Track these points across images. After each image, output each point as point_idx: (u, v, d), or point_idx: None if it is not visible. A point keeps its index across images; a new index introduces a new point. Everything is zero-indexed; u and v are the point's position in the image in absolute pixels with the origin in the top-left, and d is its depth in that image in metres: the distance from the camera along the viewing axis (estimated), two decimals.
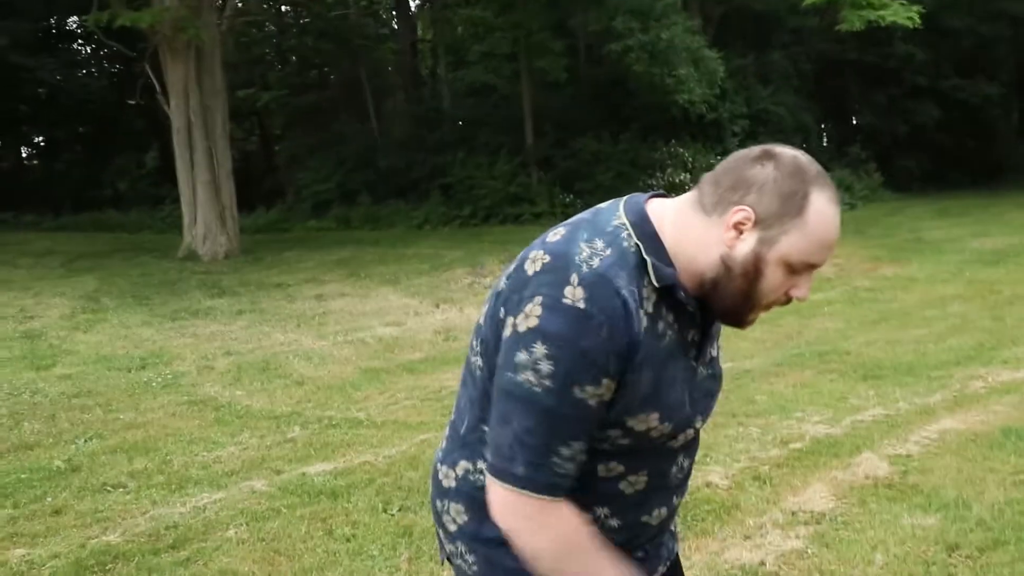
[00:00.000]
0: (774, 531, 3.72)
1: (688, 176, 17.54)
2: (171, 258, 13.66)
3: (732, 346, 6.74)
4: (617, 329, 1.24)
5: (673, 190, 16.41)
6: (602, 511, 1.42)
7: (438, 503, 1.52)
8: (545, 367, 1.24)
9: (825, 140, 25.62)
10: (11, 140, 26.80)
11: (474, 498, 1.44)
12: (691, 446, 1.51)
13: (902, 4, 15.05)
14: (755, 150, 1.33)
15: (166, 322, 9.38)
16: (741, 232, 1.28)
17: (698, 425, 1.48)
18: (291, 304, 10.33)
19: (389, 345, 8.19)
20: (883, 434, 4.91)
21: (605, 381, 1.26)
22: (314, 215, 19.60)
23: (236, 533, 4.02)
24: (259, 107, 23.97)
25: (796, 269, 1.31)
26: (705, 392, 1.47)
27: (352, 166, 20.67)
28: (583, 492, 1.39)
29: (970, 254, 12.56)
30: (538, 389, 1.25)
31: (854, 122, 26.71)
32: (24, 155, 27.87)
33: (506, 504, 1.34)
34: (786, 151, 1.33)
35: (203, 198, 13.94)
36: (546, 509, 1.32)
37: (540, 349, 1.24)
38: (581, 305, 1.24)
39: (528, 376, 1.26)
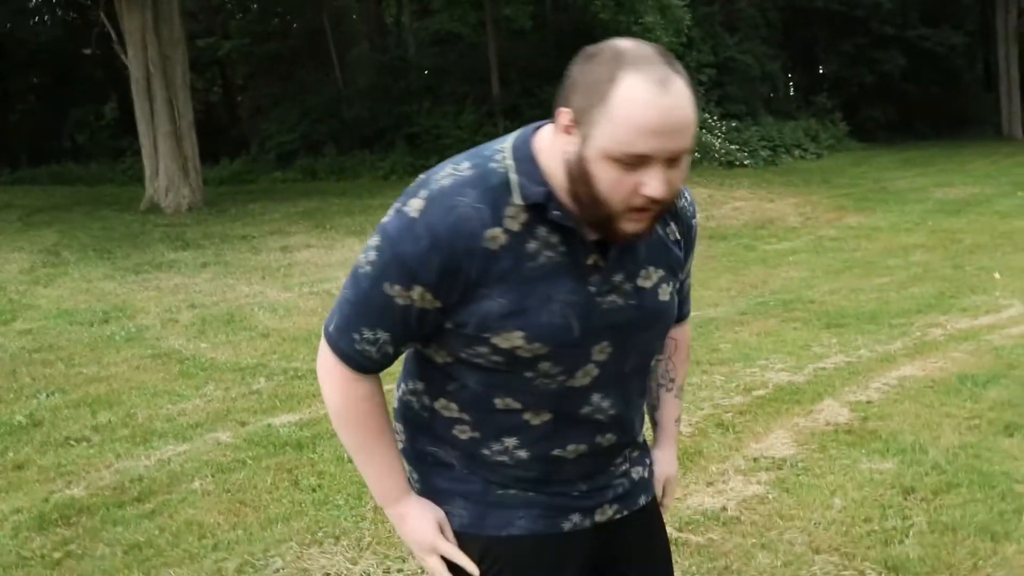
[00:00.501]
0: (736, 477, 3.77)
1: None
2: (133, 211, 13.45)
3: (696, 295, 6.77)
4: (441, 241, 1.28)
5: None
6: (509, 441, 1.46)
7: (396, 424, 1.61)
8: (371, 255, 1.35)
9: (792, 90, 25.63)
10: None
11: (407, 417, 1.56)
12: (608, 384, 1.44)
13: None
14: (591, 47, 1.28)
15: (129, 275, 9.26)
16: (570, 134, 1.25)
17: (600, 356, 1.40)
18: (256, 256, 10.24)
19: None
20: (844, 381, 4.99)
21: (417, 288, 1.31)
22: (279, 166, 19.35)
23: (201, 485, 4.02)
24: (220, 56, 23.49)
25: (626, 162, 1.21)
26: (618, 322, 1.39)
27: (317, 116, 20.38)
28: (486, 422, 1.45)
29: (933, 204, 12.70)
30: (361, 270, 1.37)
31: (820, 71, 26.73)
32: None
33: (320, 352, 1.47)
34: (617, 41, 1.25)
35: (164, 150, 13.69)
36: (344, 373, 1.44)
37: (374, 240, 1.35)
38: (414, 215, 1.31)
39: (361, 257, 1.38)
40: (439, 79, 20.92)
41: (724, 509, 3.49)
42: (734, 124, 19.06)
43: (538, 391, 1.41)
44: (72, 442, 4.62)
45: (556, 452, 1.47)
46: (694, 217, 1.56)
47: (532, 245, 1.32)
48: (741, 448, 4.09)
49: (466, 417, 1.47)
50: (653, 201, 1.24)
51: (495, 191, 1.31)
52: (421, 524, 1.49)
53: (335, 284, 8.66)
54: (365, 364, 1.42)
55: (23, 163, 20.22)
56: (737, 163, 16.90)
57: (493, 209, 1.30)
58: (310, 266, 9.68)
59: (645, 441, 1.68)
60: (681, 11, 17.60)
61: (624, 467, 1.59)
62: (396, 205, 1.35)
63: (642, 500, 1.62)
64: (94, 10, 15.39)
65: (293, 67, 22.29)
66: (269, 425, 4.72)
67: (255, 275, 9.21)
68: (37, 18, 25.33)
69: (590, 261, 1.35)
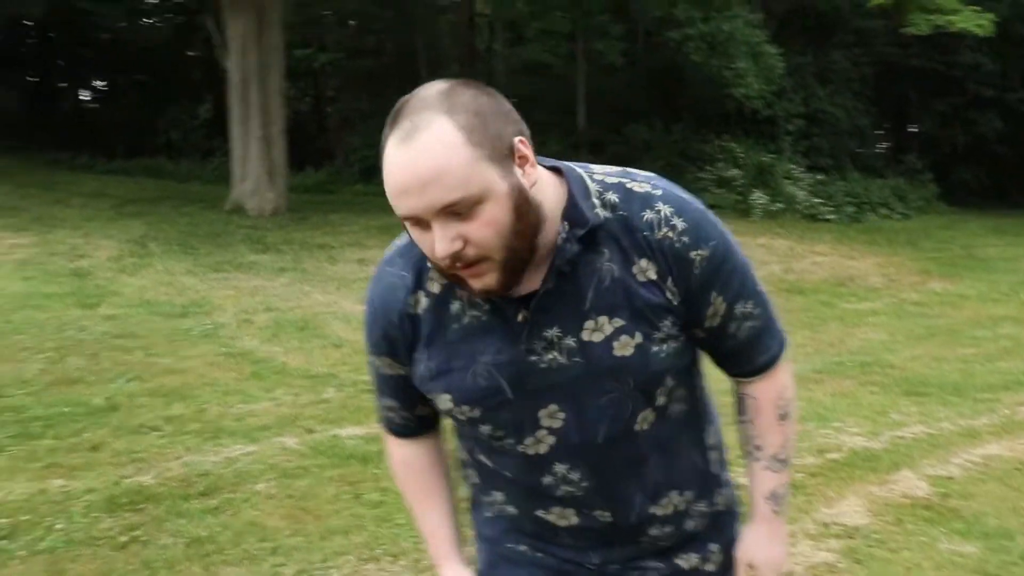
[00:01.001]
0: (805, 541, 3.66)
1: (738, 172, 17.32)
2: (218, 210, 13.76)
3: None
4: (378, 313, 1.34)
5: (723, 185, 16.06)
6: (498, 495, 1.44)
7: None
8: None
9: (881, 147, 25.17)
10: (73, 83, 27.13)
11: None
12: (573, 455, 1.31)
13: (974, 10, 14.57)
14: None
15: (209, 272, 9.46)
16: None
17: (552, 423, 1.28)
18: (333, 266, 10.38)
19: None
20: (924, 453, 4.81)
21: (382, 357, 1.38)
22: (362, 179, 19.62)
23: (265, 487, 4.06)
24: (315, 68, 24.01)
25: (414, 222, 1.16)
26: (561, 382, 1.26)
27: None
28: (480, 472, 1.46)
29: None
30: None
31: (911, 129, 26.21)
32: (84, 99, 28.19)
33: None
34: (418, 89, 1.18)
35: (254, 153, 14.00)
36: (387, 437, 1.54)
37: None
38: (368, 289, 1.39)
39: None
40: (526, 108, 20.83)
41: (791, 574, 3.38)
42: (819, 177, 18.76)
43: (498, 452, 1.36)
44: (145, 430, 4.71)
45: (540, 514, 1.40)
46: (695, 249, 1.26)
47: (455, 306, 1.29)
48: (811, 511, 3.97)
49: (469, 464, 1.48)
50: (455, 259, 1.15)
51: (419, 256, 1.28)
52: None
53: None
54: (396, 428, 1.51)
55: (120, 154, 20.82)
56: (820, 217, 16.61)
57: (416, 274, 1.31)
58: None
59: (715, 525, 1.48)
60: (774, 59, 17.43)
61: (662, 547, 1.43)
62: None
63: None
64: (201, 15, 15.85)
65: (383, 84, 22.65)
66: (335, 436, 4.75)
67: (331, 284, 9.33)
68: (148, 19, 26.24)
69: (519, 318, 1.25)
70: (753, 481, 1.47)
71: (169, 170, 19.66)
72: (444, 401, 1.33)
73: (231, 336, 6.96)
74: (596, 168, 1.32)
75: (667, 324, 1.27)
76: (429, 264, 1.27)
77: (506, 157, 1.14)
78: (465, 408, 1.31)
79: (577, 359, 1.25)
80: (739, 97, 17.20)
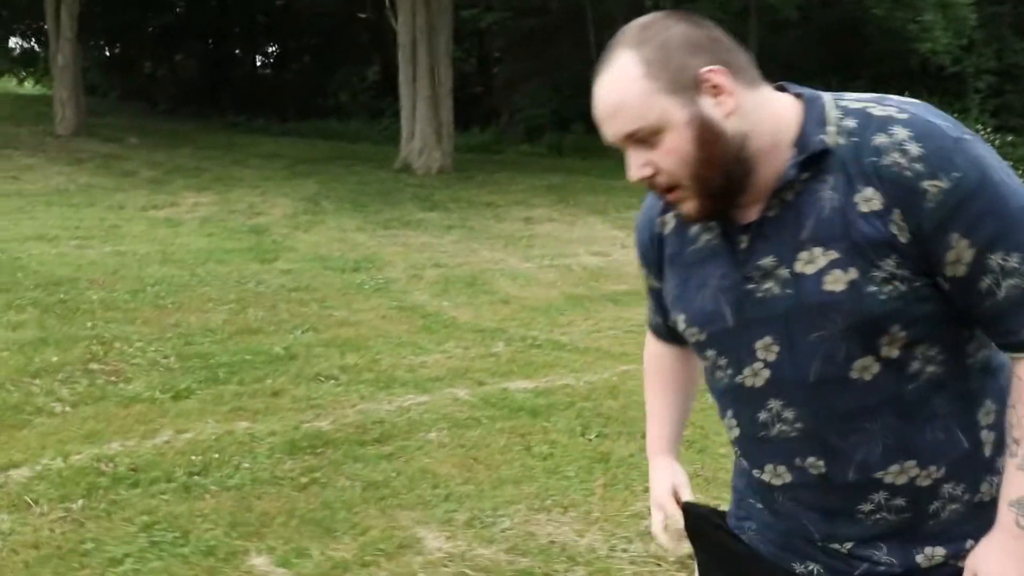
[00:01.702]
0: None
1: None
2: (387, 169, 14.13)
3: None
4: (639, 229, 1.45)
5: None
6: (729, 411, 1.37)
7: None
8: None
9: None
10: (248, 49, 28.42)
11: None
12: (787, 391, 1.23)
13: None
14: None
15: (379, 229, 9.72)
16: None
17: (767, 355, 1.23)
18: (499, 224, 10.45)
19: (594, 274, 8.14)
20: None
21: (643, 269, 1.49)
22: (527, 139, 19.70)
23: (437, 436, 4.11)
24: (481, 28, 24.17)
25: (622, 148, 1.24)
26: (776, 314, 1.20)
27: (568, 93, 20.52)
28: (722, 418, 1.42)
29: None
30: None
31: None
32: (259, 63, 29.51)
33: None
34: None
35: (422, 113, 14.26)
36: (647, 331, 1.63)
37: None
38: None
39: None
40: None
41: None
42: (1009, 138, 17.44)
43: (718, 385, 1.35)
44: (321, 378, 4.87)
45: (757, 474, 1.33)
46: (929, 179, 1.11)
47: (695, 228, 1.32)
48: None
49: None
50: (650, 185, 1.23)
51: None
52: (659, 480, 1.55)
53: (575, 259, 8.68)
54: (655, 327, 1.59)
55: (292, 117, 21.71)
56: None
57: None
58: (551, 239, 9.76)
59: (976, 517, 1.24)
60: (966, 9, 16.25)
61: (895, 526, 1.26)
62: None
63: None
64: None
65: (549, 44, 22.57)
66: (505, 388, 4.76)
67: (498, 242, 9.40)
68: None
69: (742, 244, 1.24)
70: (1004, 480, 1.21)
71: (339, 131, 20.34)
72: (680, 321, 1.36)
73: (401, 291, 7.12)
74: (849, 95, 1.24)
75: (890, 263, 1.14)
76: None
77: (689, 88, 1.16)
78: (695, 329, 1.33)
79: (789, 291, 1.20)
80: (924, 52, 16.16)
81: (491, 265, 8.26)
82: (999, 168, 1.14)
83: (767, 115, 1.20)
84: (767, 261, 1.21)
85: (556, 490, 3.58)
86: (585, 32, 22.08)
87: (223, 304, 6.32)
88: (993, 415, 1.25)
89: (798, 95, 1.25)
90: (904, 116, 1.15)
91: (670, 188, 1.21)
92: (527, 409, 4.43)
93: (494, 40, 25.88)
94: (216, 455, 3.78)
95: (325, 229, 9.65)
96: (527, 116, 20.52)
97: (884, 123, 1.15)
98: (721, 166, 1.17)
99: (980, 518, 1.23)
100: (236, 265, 7.64)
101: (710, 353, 1.32)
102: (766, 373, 1.25)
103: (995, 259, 1.12)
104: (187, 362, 5.00)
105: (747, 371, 1.27)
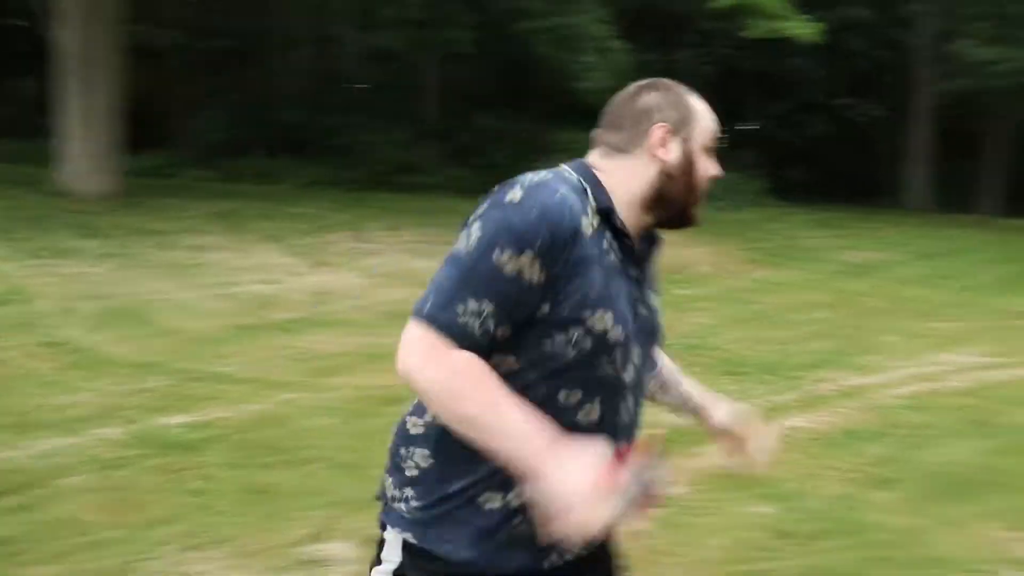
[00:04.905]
0: None
1: None
2: (44, 193, 13.03)
3: None
4: (551, 213, 1.41)
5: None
6: (596, 399, 1.56)
7: (402, 450, 1.59)
8: (475, 234, 1.43)
9: (720, 144, 26.26)
10: None
11: (439, 441, 1.53)
12: (638, 388, 1.62)
13: (805, 19, 15.79)
14: (630, 89, 1.64)
15: (28, 259, 8.97)
16: (666, 144, 1.58)
17: (637, 360, 1.58)
18: (166, 252, 10.01)
19: (264, 302, 8.05)
20: None
21: (528, 253, 1.39)
22: (203, 164, 18.97)
23: (83, 480, 3.91)
24: (156, 46, 22.99)
25: (710, 151, 1.63)
26: (646, 329, 1.61)
27: (247, 118, 20.09)
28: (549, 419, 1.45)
29: (840, 265, 13.14)
30: (463, 249, 1.44)
31: (747, 127, 27.50)
32: None
33: (410, 338, 1.42)
34: (650, 80, 1.64)
35: (85, 133, 13.31)
36: (444, 348, 1.40)
37: (475, 225, 1.44)
38: (517, 199, 1.43)
39: (461, 242, 1.45)
40: (375, 94, 20.88)
41: None
42: None
43: (596, 375, 1.52)
44: None
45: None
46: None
47: (604, 243, 1.51)
48: None
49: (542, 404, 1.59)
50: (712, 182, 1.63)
51: (579, 191, 1.52)
52: (596, 453, 1.37)
53: (245, 288, 8.53)
54: (465, 340, 1.40)
55: None
56: None
57: (582, 203, 1.49)
58: (221, 268, 9.49)
59: None
60: (621, 55, 17.89)
61: None
62: (488, 204, 1.46)
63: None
64: None
65: (229, 66, 21.98)
66: (159, 425, 4.62)
67: (162, 272, 9.01)
68: None
69: (632, 273, 1.57)
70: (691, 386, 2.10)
71: None
72: (605, 320, 1.49)
73: (52, 325, 6.64)
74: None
75: None
76: (589, 201, 1.51)
77: None
78: (619, 328, 1.51)
79: (653, 317, 1.65)
80: (583, 90, 17.58)
81: (154, 296, 7.91)
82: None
83: None
84: (645, 291, 1.62)
85: (208, 527, 3.54)
86: (267, 56, 21.77)
87: None
88: None
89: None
90: None
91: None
92: (181, 444, 4.34)
93: (171, 60, 24.72)
94: None
95: None
96: (204, 140, 19.80)
97: None
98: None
99: None
100: None
101: (617, 351, 1.53)
102: (632, 374, 1.59)
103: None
104: None
105: (630, 368, 1.58)
